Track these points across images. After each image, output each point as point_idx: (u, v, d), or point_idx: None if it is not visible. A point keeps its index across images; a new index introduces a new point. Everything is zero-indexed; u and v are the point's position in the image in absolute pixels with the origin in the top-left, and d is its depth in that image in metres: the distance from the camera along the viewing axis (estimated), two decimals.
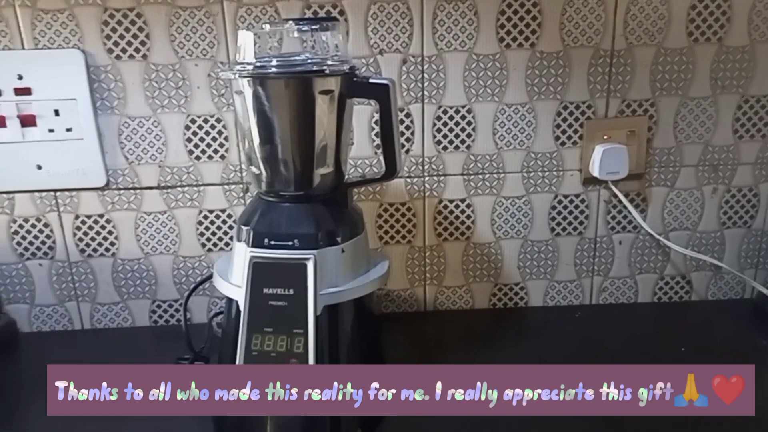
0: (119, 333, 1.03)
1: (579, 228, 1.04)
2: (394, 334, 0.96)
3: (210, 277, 0.85)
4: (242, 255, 0.72)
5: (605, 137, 0.99)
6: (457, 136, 0.98)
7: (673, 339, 0.95)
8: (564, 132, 0.99)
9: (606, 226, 1.04)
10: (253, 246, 0.72)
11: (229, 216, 1.00)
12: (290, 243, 0.71)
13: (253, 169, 0.76)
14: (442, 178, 1.00)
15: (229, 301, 0.75)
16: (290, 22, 0.74)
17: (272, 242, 0.71)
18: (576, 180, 1.01)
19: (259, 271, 0.71)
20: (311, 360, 0.69)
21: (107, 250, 1.00)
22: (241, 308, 0.71)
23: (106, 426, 0.76)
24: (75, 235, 0.99)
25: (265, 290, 0.71)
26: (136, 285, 1.02)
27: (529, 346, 0.95)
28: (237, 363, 0.70)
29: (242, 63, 0.72)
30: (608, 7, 0.93)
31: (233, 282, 0.74)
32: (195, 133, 0.96)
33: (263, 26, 0.76)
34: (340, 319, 0.72)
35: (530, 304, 1.08)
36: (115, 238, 1.00)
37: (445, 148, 0.99)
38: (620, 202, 1.02)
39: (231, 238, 1.01)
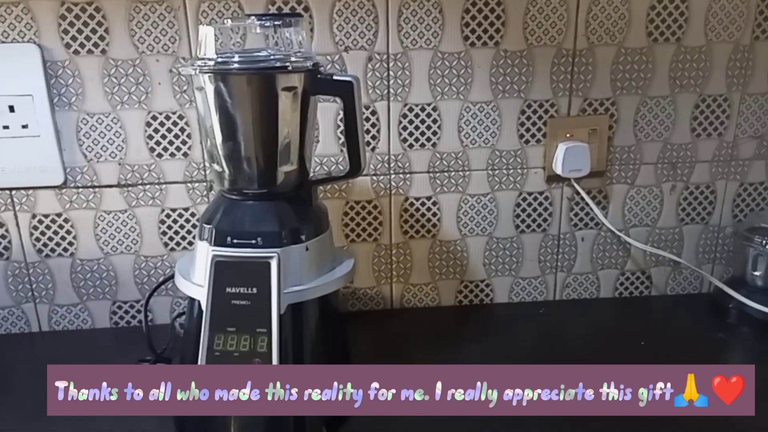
0: (79, 335, 1.01)
1: (543, 225, 1.05)
2: (361, 332, 0.96)
3: (172, 276, 0.83)
4: (204, 254, 0.71)
5: (568, 135, 1.00)
6: (422, 133, 0.98)
7: (633, 333, 0.97)
8: (528, 130, 1.00)
9: (569, 223, 1.06)
10: (216, 245, 0.71)
11: (193, 215, 0.98)
12: (253, 241, 0.70)
13: (216, 166, 0.75)
14: (408, 175, 1.00)
15: (192, 300, 0.74)
16: (252, 17, 0.73)
17: (235, 240, 0.70)
18: (540, 178, 1.03)
19: (222, 270, 0.70)
20: (275, 359, 0.68)
21: (65, 250, 0.98)
22: (203, 308, 0.70)
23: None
24: (32, 234, 0.96)
25: (228, 289, 0.69)
26: (96, 286, 1.00)
27: (494, 342, 0.96)
28: (199, 363, 0.69)
29: (203, 59, 0.70)
30: (570, 7, 0.95)
31: (195, 281, 0.73)
32: (156, 130, 0.94)
33: (225, 21, 0.75)
34: (305, 317, 0.72)
35: (495, 301, 1.09)
36: (74, 237, 0.97)
37: (411, 145, 0.99)
38: (582, 199, 1.03)
39: (194, 237, 0.99)
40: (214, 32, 0.71)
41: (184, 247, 1.00)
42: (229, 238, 0.70)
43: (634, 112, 1.01)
